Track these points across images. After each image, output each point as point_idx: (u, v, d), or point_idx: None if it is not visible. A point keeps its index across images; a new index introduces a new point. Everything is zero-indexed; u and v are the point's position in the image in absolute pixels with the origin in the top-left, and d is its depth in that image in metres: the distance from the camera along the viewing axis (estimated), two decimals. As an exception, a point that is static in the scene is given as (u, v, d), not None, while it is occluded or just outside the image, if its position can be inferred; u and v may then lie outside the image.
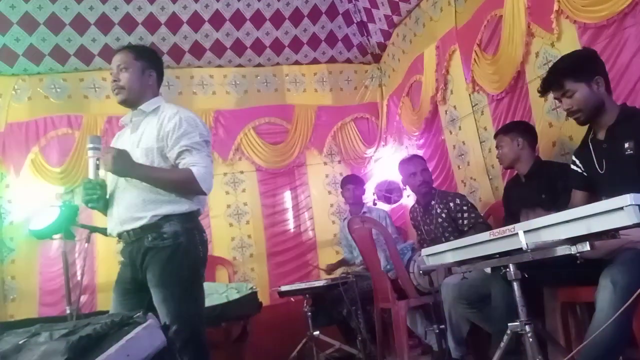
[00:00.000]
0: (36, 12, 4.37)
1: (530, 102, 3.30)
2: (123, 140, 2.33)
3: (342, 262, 4.64)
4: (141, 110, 2.27)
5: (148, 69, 2.32)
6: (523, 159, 2.90)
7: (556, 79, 2.23)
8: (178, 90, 4.90)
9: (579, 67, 2.20)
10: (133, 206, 2.14)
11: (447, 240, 3.42)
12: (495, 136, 3.07)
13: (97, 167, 2.16)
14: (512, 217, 2.77)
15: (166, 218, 2.14)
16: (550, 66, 2.37)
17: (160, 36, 4.76)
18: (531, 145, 2.91)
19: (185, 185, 2.14)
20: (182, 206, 2.17)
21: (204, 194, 2.19)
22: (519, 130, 2.94)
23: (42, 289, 4.30)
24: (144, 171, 2.15)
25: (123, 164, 2.09)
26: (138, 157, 2.17)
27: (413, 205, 3.85)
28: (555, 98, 2.34)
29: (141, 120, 2.28)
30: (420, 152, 4.58)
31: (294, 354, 4.05)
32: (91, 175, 2.16)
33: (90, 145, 2.18)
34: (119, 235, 2.21)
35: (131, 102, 2.29)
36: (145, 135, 2.23)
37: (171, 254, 2.11)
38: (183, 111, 2.24)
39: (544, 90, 2.33)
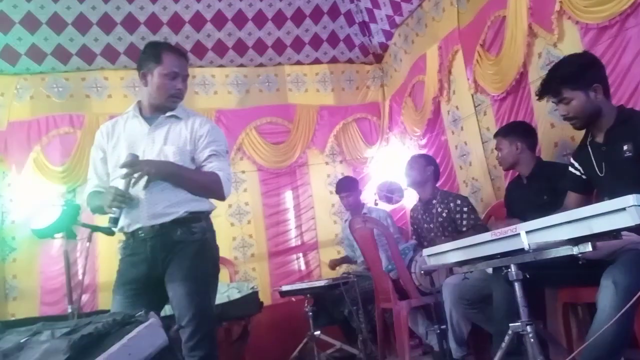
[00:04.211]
0: (38, 11, 4.37)
1: (533, 102, 3.29)
2: (133, 129, 2.28)
3: (346, 259, 4.65)
4: (176, 117, 2.29)
5: None
6: (523, 161, 2.89)
7: (554, 86, 2.22)
8: (180, 90, 4.89)
9: (578, 75, 2.17)
10: (165, 202, 2.15)
11: (446, 239, 3.42)
12: (495, 136, 3.07)
13: (130, 184, 2.10)
14: (514, 218, 2.77)
15: (195, 214, 2.20)
16: (551, 67, 2.36)
17: (163, 36, 4.76)
18: (531, 147, 2.91)
19: (211, 188, 2.23)
20: (205, 204, 2.27)
21: (224, 198, 2.27)
22: (518, 133, 2.93)
23: (43, 288, 4.30)
24: (176, 170, 2.19)
25: (159, 168, 2.14)
26: (167, 154, 2.21)
27: (415, 204, 3.85)
28: (552, 102, 2.34)
29: (164, 119, 2.28)
30: (422, 152, 4.58)
31: (295, 353, 4.05)
32: (125, 188, 2.10)
33: (130, 163, 2.09)
34: (138, 230, 2.17)
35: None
36: (172, 134, 2.25)
37: (199, 249, 2.17)
38: (208, 120, 2.40)
39: (541, 95, 2.32)
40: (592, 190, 2.35)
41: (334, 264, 4.58)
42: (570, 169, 2.38)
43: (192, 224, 2.18)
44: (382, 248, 3.53)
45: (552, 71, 2.28)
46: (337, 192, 4.50)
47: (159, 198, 2.15)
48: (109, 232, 2.13)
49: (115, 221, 2.10)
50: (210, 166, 2.23)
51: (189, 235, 2.17)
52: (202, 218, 2.23)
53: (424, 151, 4.51)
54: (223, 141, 2.33)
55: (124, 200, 2.08)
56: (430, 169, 3.64)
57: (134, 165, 2.08)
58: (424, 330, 3.63)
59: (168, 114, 2.27)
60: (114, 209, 2.07)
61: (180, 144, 2.24)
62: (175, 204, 2.16)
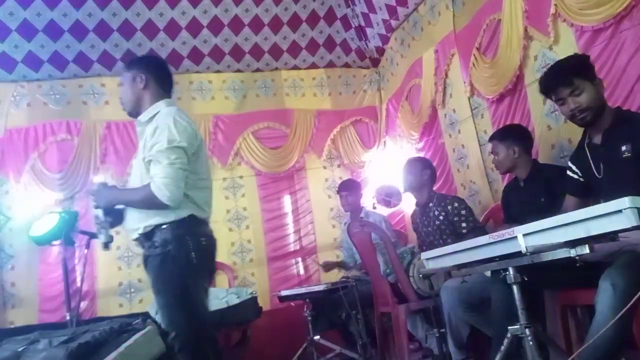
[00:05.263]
0: (35, 19, 4.37)
1: (529, 105, 3.30)
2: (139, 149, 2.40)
3: (340, 264, 4.63)
4: (139, 121, 2.33)
5: (138, 75, 2.37)
6: (520, 165, 2.88)
7: (565, 74, 2.20)
8: (177, 96, 4.88)
9: (586, 66, 2.21)
10: (131, 219, 2.25)
11: (445, 243, 3.41)
12: (490, 140, 3.05)
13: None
14: (511, 220, 2.77)
15: (157, 227, 2.19)
16: (554, 63, 2.38)
17: (159, 42, 4.76)
18: (527, 150, 2.90)
19: (147, 202, 2.15)
20: (168, 216, 2.18)
21: (168, 206, 2.12)
22: (514, 136, 2.91)
23: (42, 295, 4.28)
24: (115, 197, 2.30)
25: (105, 198, 2.26)
26: (135, 168, 2.31)
27: (414, 209, 3.85)
28: (557, 99, 2.26)
29: (144, 129, 2.30)
30: (419, 156, 4.58)
31: (294, 359, 4.04)
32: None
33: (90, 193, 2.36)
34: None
35: (134, 112, 2.38)
36: (141, 145, 2.28)
37: (161, 262, 2.16)
38: (164, 117, 2.22)
39: (548, 89, 2.27)
40: (590, 194, 2.34)
41: (327, 267, 4.55)
42: (569, 172, 2.38)
43: (154, 238, 2.19)
44: (381, 252, 3.53)
45: (558, 65, 2.29)
46: (339, 190, 4.51)
47: (128, 216, 2.27)
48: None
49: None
50: (150, 175, 2.17)
51: (152, 249, 2.19)
52: (166, 229, 2.17)
53: (421, 154, 4.51)
54: (164, 139, 2.12)
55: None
56: (427, 173, 3.62)
57: (92, 195, 2.29)
58: (423, 333, 3.63)
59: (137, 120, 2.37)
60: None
61: (141, 155, 2.26)
62: (137, 220, 2.23)
